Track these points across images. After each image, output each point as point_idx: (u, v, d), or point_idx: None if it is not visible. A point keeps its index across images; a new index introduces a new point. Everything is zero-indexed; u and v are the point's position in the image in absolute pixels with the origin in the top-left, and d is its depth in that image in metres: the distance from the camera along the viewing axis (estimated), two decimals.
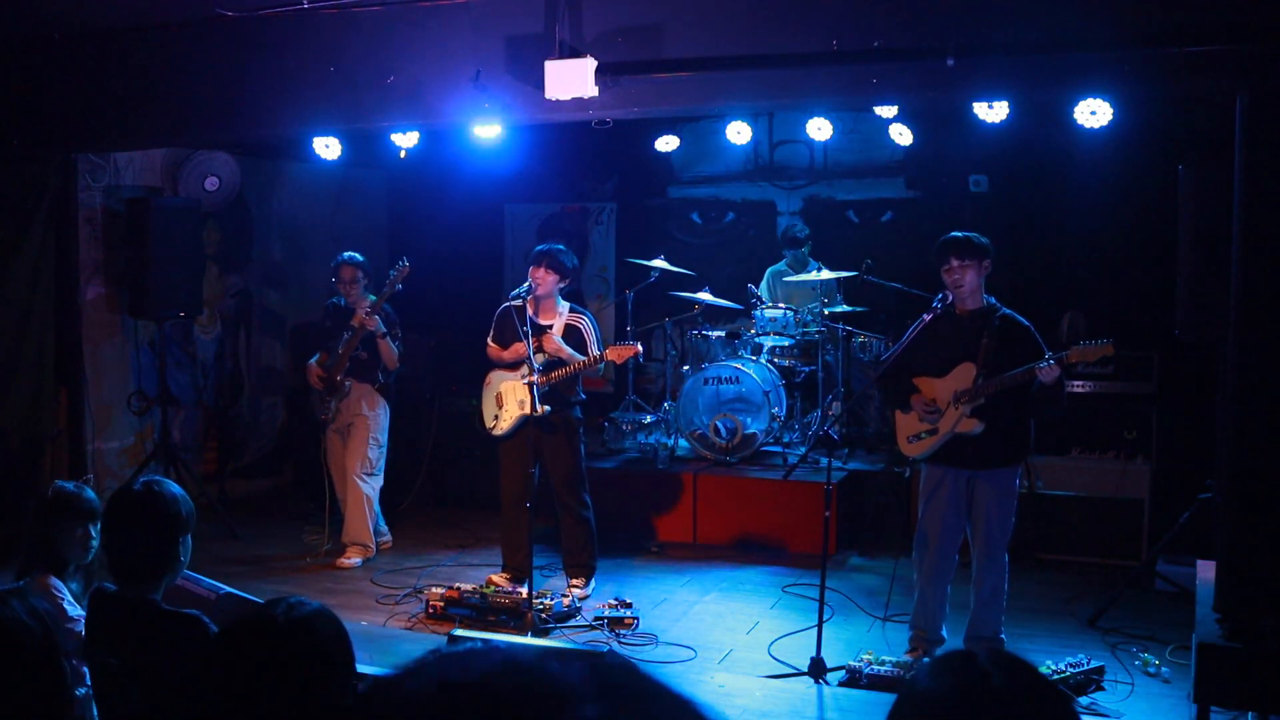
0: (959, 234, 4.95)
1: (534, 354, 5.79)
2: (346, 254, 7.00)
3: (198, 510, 3.09)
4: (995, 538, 4.96)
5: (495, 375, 6.26)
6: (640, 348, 5.97)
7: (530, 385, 5.76)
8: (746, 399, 7.62)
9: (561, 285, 6.13)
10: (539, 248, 6.17)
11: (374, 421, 6.90)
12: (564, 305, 6.21)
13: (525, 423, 5.91)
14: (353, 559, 6.84)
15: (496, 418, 6.17)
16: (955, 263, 4.87)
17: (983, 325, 4.89)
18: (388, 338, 6.76)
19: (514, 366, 6.12)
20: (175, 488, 2.96)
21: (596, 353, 5.99)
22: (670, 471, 7.58)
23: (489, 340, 6.29)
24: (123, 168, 7.70)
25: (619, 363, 5.93)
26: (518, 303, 5.95)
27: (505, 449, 6.18)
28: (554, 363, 5.98)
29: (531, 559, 5.70)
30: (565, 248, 6.20)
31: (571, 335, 6.08)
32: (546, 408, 5.84)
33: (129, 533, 2.89)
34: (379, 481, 6.98)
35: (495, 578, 6.22)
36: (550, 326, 6.12)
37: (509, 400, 6.11)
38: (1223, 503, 4.38)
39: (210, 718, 2.07)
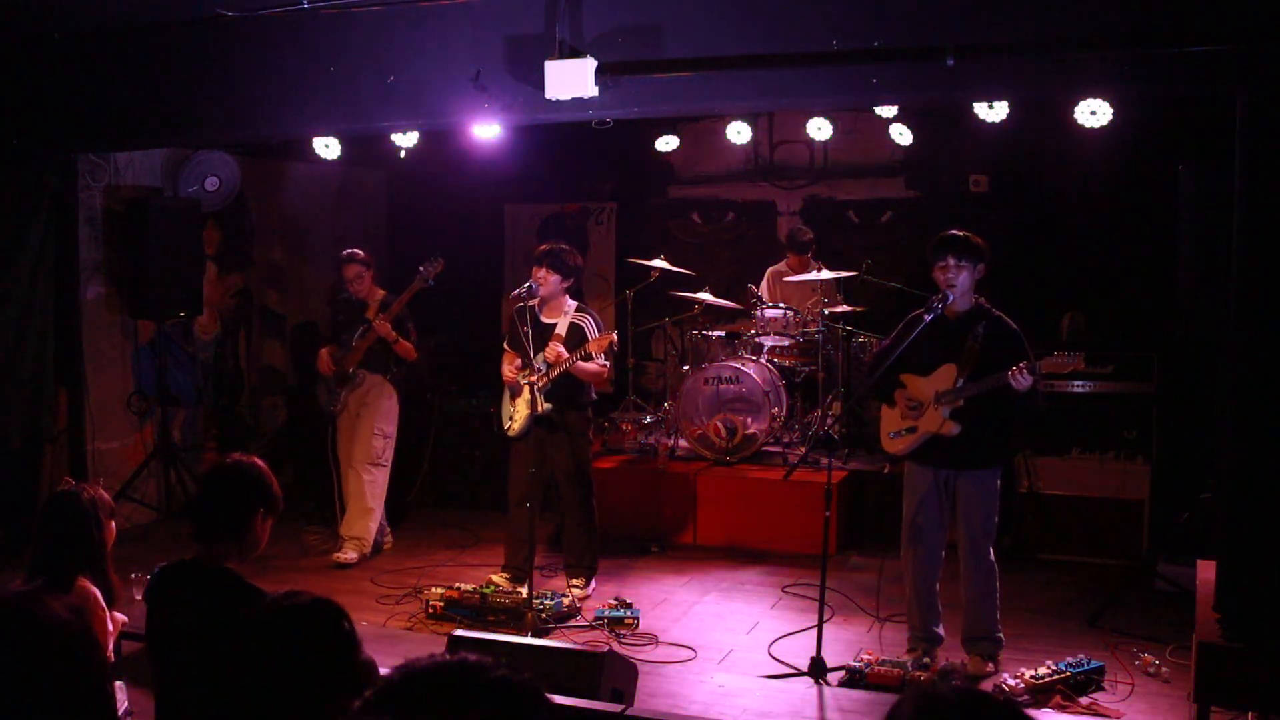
0: (959, 232, 4.94)
1: (535, 354, 5.82)
2: (347, 251, 7.05)
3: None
4: (978, 538, 4.97)
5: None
6: (615, 335, 5.98)
7: (531, 385, 5.79)
8: (746, 399, 7.61)
9: (565, 285, 6.14)
10: (542, 248, 6.18)
11: (380, 412, 6.91)
12: (570, 304, 6.22)
13: (535, 423, 5.94)
14: (349, 554, 6.83)
15: (511, 419, 6.19)
16: (952, 261, 4.87)
17: (969, 328, 4.89)
18: (400, 340, 6.80)
19: (522, 368, 6.13)
20: (270, 472, 3.22)
21: (588, 349, 5.98)
22: (670, 471, 7.58)
23: (505, 345, 6.32)
24: (123, 168, 7.70)
25: (599, 352, 5.92)
26: (531, 302, 5.99)
27: (516, 450, 6.19)
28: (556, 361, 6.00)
29: (533, 559, 5.70)
30: (570, 247, 6.21)
31: (575, 334, 6.09)
32: (548, 405, 5.89)
33: (218, 491, 3.15)
34: (385, 475, 6.98)
35: (495, 577, 6.22)
36: (554, 325, 6.13)
37: (519, 401, 6.13)
38: (1223, 503, 4.38)
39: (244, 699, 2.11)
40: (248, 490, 3.12)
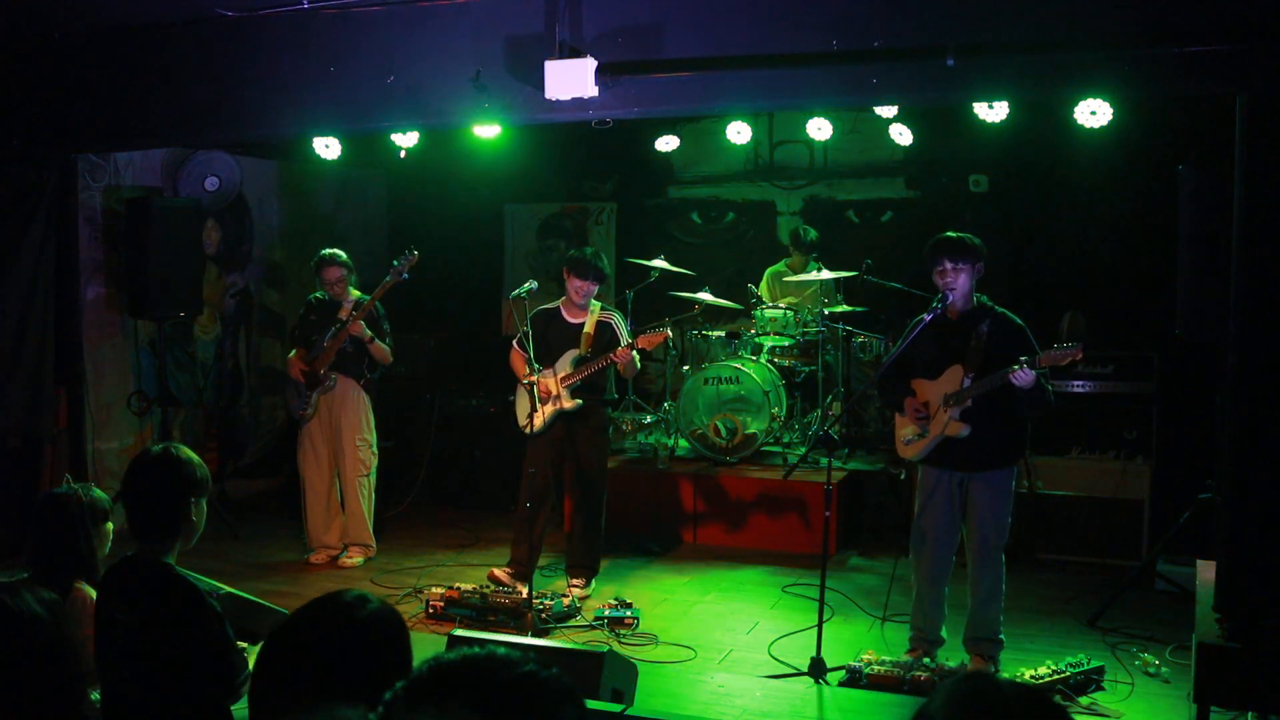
0: (953, 234, 4.92)
1: (565, 353, 5.99)
2: (328, 252, 6.84)
3: None
4: (990, 539, 4.95)
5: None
6: (670, 332, 6.08)
7: (563, 384, 5.94)
8: (746, 399, 7.62)
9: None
10: (586, 261, 6.15)
11: (358, 423, 6.85)
12: (594, 304, 6.28)
13: (558, 418, 6.02)
14: (354, 559, 6.84)
15: (530, 415, 6.18)
16: (949, 265, 4.86)
17: (972, 328, 4.88)
18: (375, 341, 6.73)
19: (546, 368, 6.16)
20: (190, 453, 3.14)
21: (628, 341, 6.07)
22: (670, 471, 7.58)
23: (514, 344, 6.27)
24: (123, 168, 7.70)
25: (650, 349, 6.00)
26: (552, 305, 6.16)
27: (533, 445, 6.18)
28: (584, 358, 6.06)
29: (537, 558, 5.72)
30: (595, 250, 6.32)
31: (604, 332, 6.18)
32: (578, 401, 6.06)
33: (143, 490, 3.07)
34: (372, 480, 6.96)
35: (497, 571, 6.21)
36: (582, 325, 6.23)
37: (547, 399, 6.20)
38: (1223, 503, 4.38)
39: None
40: (174, 482, 3.05)
